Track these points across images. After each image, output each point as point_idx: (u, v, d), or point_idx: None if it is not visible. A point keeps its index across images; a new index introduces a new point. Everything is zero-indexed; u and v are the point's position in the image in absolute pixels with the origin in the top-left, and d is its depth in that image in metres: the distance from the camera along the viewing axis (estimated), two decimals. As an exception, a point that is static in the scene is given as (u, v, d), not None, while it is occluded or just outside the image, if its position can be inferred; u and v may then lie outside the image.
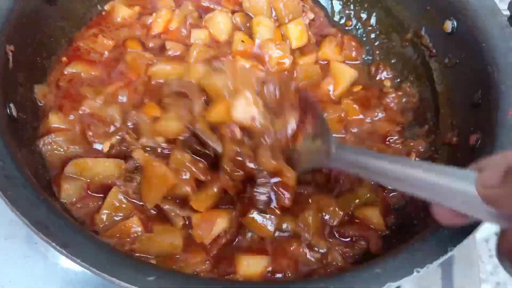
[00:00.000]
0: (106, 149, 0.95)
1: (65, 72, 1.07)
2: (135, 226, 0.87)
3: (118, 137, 0.96)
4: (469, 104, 0.97)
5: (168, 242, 0.87)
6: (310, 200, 0.95)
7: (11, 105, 0.87)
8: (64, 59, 1.10)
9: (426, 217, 0.82)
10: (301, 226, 0.92)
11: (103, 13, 1.21)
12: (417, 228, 0.84)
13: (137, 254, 0.84)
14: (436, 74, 1.12)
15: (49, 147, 0.94)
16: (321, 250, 0.90)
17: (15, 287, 1.01)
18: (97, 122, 0.98)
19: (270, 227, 0.89)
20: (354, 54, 1.25)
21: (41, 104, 1.01)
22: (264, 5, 1.22)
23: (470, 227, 0.71)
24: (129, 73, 1.09)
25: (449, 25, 1.05)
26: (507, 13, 1.05)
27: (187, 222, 0.90)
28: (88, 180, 0.92)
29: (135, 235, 0.86)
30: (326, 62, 1.21)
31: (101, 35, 1.15)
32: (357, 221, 0.96)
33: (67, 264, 1.03)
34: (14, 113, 0.88)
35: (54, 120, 0.97)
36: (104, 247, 0.68)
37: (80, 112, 1.00)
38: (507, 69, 0.91)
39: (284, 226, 0.92)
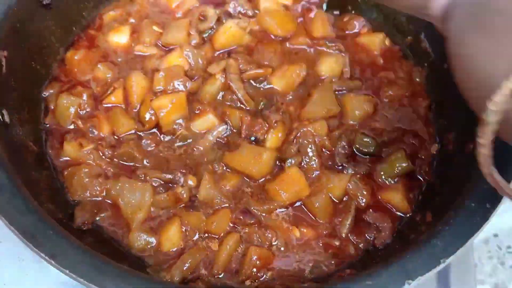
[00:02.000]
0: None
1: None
2: None
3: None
4: (467, 111, 0.95)
5: None
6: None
7: (4, 111, 0.87)
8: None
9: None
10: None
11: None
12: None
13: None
14: (434, 79, 1.11)
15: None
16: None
17: (10, 289, 1.01)
18: None
19: None
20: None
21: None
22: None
23: (464, 237, 0.71)
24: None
25: (448, 30, 1.03)
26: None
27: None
28: None
29: None
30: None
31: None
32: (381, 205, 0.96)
33: (61, 268, 1.03)
34: (7, 119, 0.87)
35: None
36: (92, 257, 0.68)
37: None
38: (506, 75, 0.89)
39: None
